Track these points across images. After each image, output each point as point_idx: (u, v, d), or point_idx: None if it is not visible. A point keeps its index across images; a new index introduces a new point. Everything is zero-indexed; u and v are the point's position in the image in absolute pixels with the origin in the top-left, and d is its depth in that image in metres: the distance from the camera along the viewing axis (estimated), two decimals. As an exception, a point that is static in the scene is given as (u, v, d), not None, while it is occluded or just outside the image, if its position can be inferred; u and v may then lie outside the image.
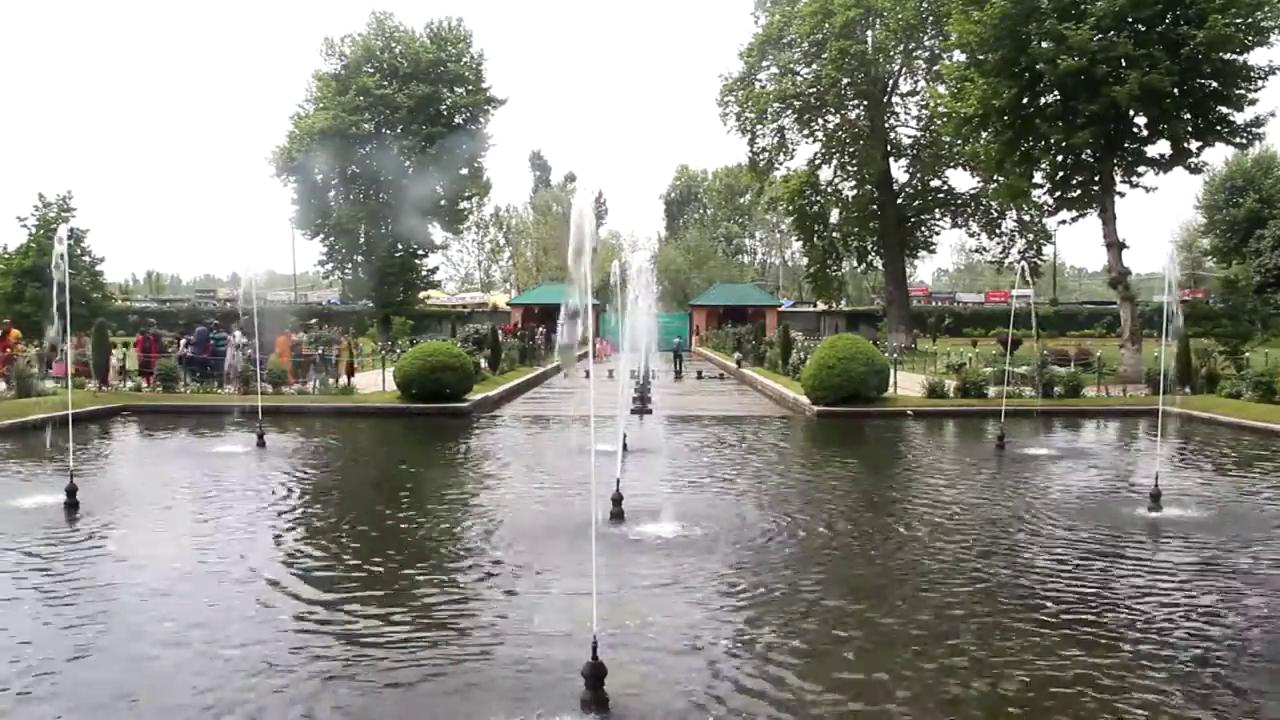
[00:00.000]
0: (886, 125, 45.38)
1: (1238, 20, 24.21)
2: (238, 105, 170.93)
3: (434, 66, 43.76)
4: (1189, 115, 26.25)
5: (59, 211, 41.35)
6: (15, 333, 25.92)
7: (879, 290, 64.55)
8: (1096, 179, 28.09)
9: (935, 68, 40.25)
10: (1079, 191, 29.10)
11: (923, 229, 48.62)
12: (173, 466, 13.72)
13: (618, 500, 9.86)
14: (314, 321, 33.92)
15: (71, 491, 10.17)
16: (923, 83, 43.88)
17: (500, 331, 36.85)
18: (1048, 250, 51.90)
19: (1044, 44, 25.33)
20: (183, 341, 25.47)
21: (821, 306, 65.84)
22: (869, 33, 43.70)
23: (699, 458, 14.81)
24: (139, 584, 7.60)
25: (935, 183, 46.11)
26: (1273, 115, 26.57)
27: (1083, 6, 24.89)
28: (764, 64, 45.20)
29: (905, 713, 5.28)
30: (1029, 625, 6.68)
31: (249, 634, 6.40)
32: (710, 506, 10.71)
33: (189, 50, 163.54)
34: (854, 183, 46.96)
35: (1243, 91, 25.55)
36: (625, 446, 12.62)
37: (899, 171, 46.51)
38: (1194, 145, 26.80)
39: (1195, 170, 27.86)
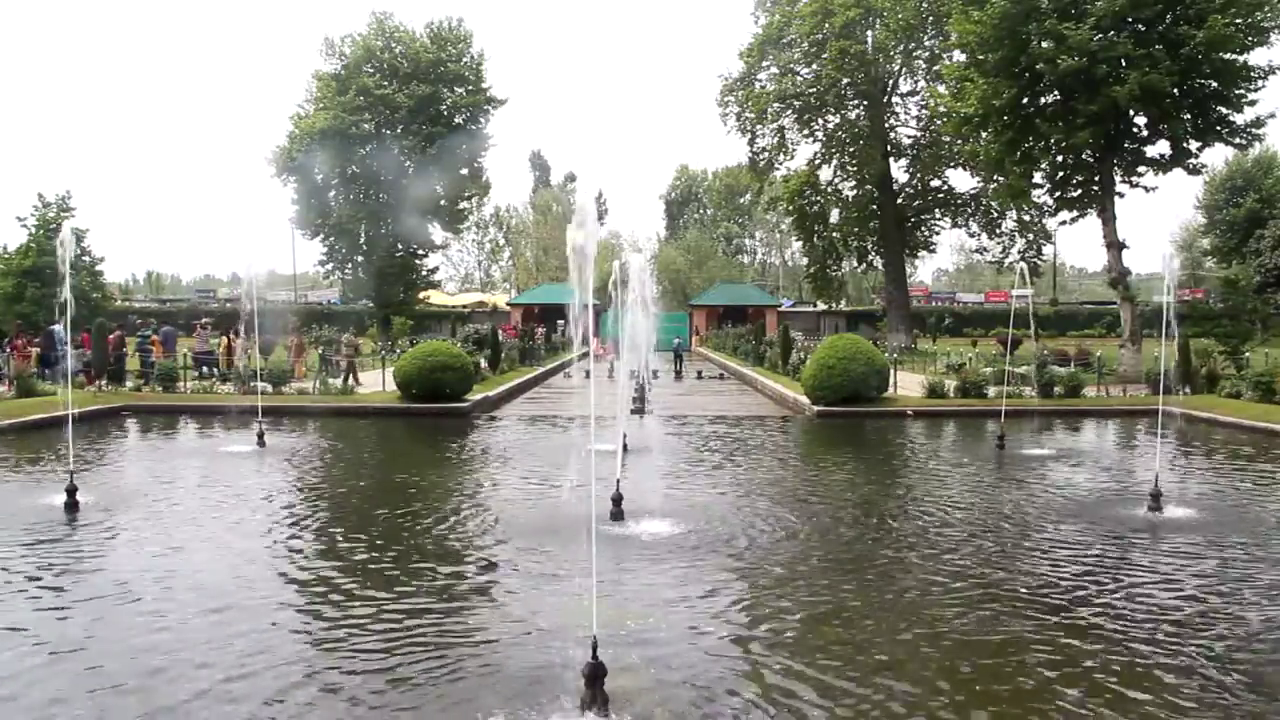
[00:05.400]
0: (886, 125, 45.39)
1: (1238, 20, 24.22)
2: (238, 105, 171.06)
3: (434, 66, 43.75)
4: (1189, 115, 26.26)
5: (59, 211, 41.30)
6: None
7: (879, 290, 64.59)
8: (1096, 179, 28.10)
9: (935, 68, 40.28)
10: (1079, 191, 29.12)
11: (923, 229, 48.64)
12: (173, 466, 13.73)
13: (618, 500, 9.86)
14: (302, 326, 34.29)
15: (71, 491, 10.17)
16: (923, 83, 43.90)
17: (500, 332, 36.85)
18: (1048, 250, 51.92)
19: (1044, 44, 25.34)
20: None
21: (821, 306, 65.87)
22: (869, 33, 43.73)
23: (699, 457, 14.81)
24: (139, 585, 7.60)
25: (935, 183, 46.13)
26: (1273, 116, 26.61)
27: (1083, 6, 24.91)
28: (764, 64, 45.24)
29: (909, 714, 5.28)
30: (1029, 624, 6.69)
31: (249, 635, 6.39)
32: (710, 506, 10.71)
33: (189, 50, 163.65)
34: (854, 183, 46.98)
35: (1242, 92, 25.56)
36: (625, 446, 12.62)
37: (899, 171, 46.57)
38: (1194, 145, 26.82)
39: (1195, 171, 27.86)
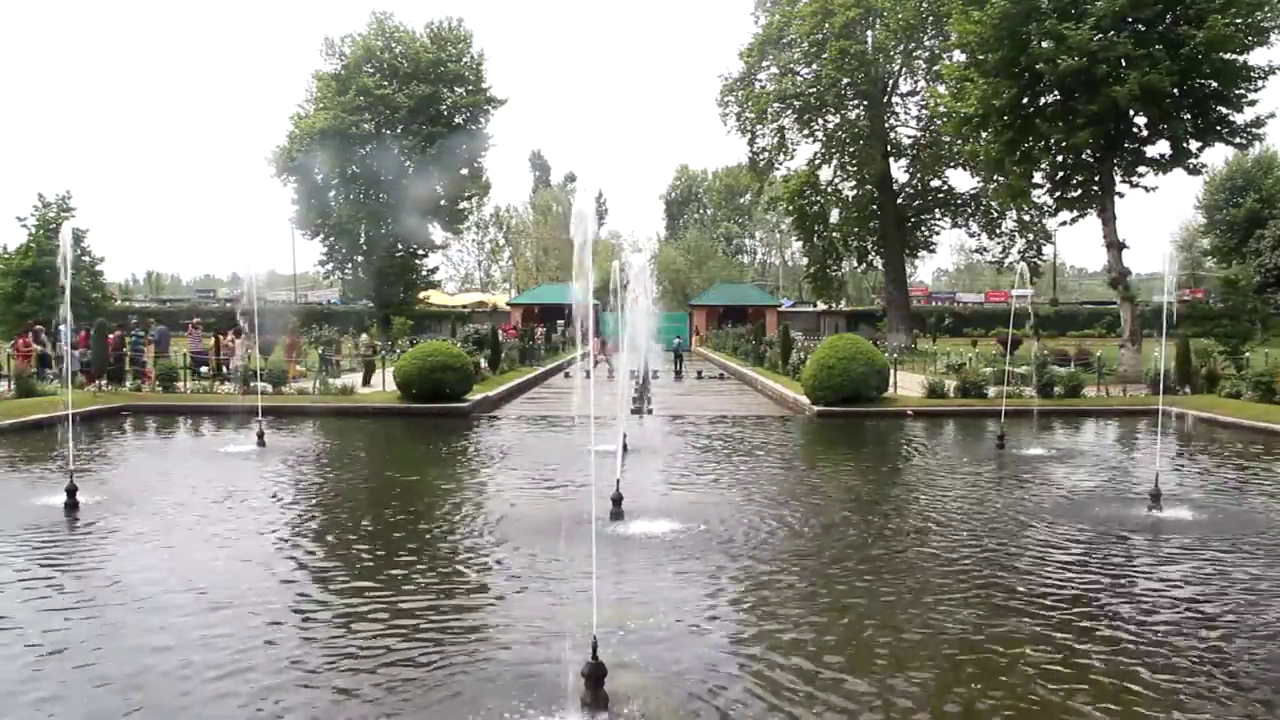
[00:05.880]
0: (886, 125, 45.39)
1: (1238, 20, 24.21)
2: (238, 105, 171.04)
3: (434, 67, 43.78)
4: (1189, 115, 26.25)
5: (59, 211, 41.32)
6: None
7: (879, 290, 64.58)
8: (1096, 179, 28.10)
9: (935, 68, 40.27)
10: (1079, 191, 29.11)
11: (923, 229, 48.64)
12: (173, 466, 13.72)
13: (618, 500, 9.86)
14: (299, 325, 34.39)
15: (71, 491, 10.17)
16: (923, 83, 43.90)
17: (500, 332, 36.86)
18: (1048, 250, 51.93)
19: (1044, 44, 25.33)
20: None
21: (821, 306, 65.86)
22: (869, 33, 43.73)
23: (699, 457, 14.81)
24: (138, 584, 7.60)
25: (935, 183, 46.12)
26: (1273, 115, 26.59)
27: (1083, 6, 24.90)
28: (764, 64, 45.24)
29: (909, 713, 5.28)
30: (1028, 623, 6.69)
31: (246, 633, 6.39)
32: (710, 506, 10.70)
33: (189, 50, 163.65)
34: (854, 183, 46.98)
35: (1242, 92, 25.55)
36: (625, 446, 12.62)
37: (899, 171, 46.56)
38: (1194, 145, 26.80)
39: (1195, 171, 27.84)
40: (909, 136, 46.32)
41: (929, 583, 7.78)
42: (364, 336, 28.81)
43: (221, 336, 27.81)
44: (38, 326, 25.60)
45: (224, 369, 25.76)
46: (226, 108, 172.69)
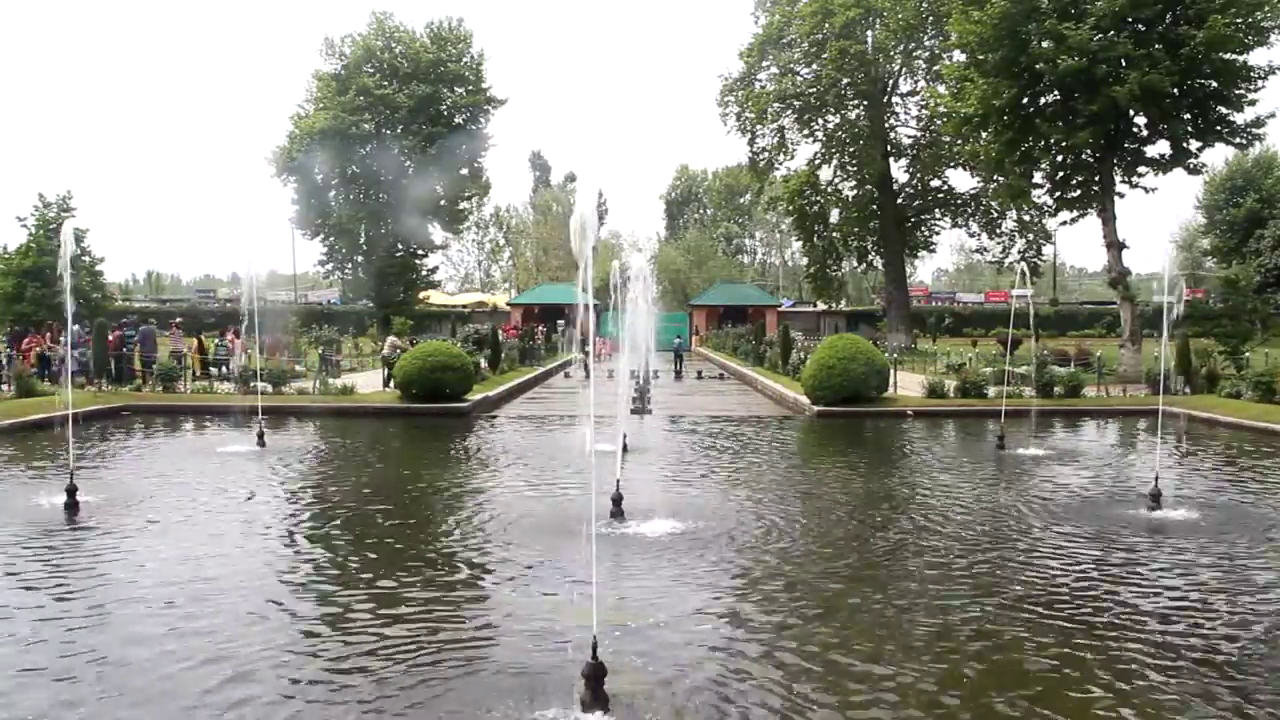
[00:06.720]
0: (886, 125, 45.42)
1: (1238, 20, 24.23)
2: (238, 105, 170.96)
3: (434, 66, 43.82)
4: (1189, 115, 26.28)
5: (59, 211, 41.31)
6: None
7: (879, 290, 64.59)
8: (1096, 179, 28.12)
9: (935, 68, 40.31)
10: (1079, 191, 29.14)
11: (923, 229, 48.68)
12: (173, 466, 13.71)
13: (618, 500, 9.86)
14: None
15: (71, 492, 10.16)
16: (923, 83, 43.93)
17: (500, 332, 36.86)
18: (1048, 250, 51.98)
19: (1044, 44, 25.36)
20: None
21: (821, 306, 65.85)
22: (869, 33, 43.76)
23: (699, 457, 14.81)
24: (138, 587, 7.60)
25: (935, 183, 46.16)
26: (1273, 115, 26.62)
27: (1083, 6, 24.92)
28: (764, 64, 45.29)
29: (909, 715, 5.28)
30: (1027, 624, 6.69)
31: (250, 636, 6.38)
32: (710, 505, 10.71)
33: (189, 50, 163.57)
34: (854, 183, 47.01)
35: (1243, 92, 25.58)
36: (625, 446, 12.62)
37: (899, 171, 46.59)
38: (1194, 145, 26.83)
39: (1195, 171, 27.88)
40: (909, 136, 46.43)
41: (930, 584, 7.78)
42: (391, 337, 28.61)
43: (217, 339, 27.74)
44: (16, 329, 25.39)
45: (217, 369, 25.61)
46: (226, 108, 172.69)
